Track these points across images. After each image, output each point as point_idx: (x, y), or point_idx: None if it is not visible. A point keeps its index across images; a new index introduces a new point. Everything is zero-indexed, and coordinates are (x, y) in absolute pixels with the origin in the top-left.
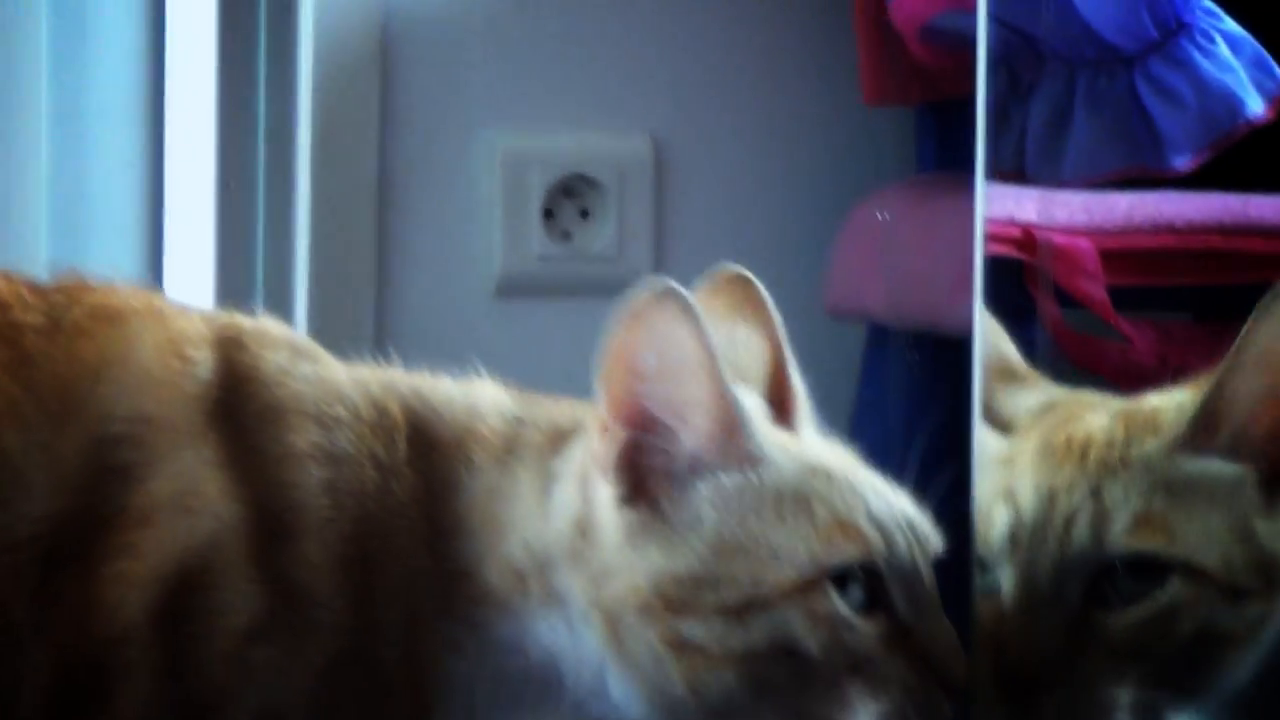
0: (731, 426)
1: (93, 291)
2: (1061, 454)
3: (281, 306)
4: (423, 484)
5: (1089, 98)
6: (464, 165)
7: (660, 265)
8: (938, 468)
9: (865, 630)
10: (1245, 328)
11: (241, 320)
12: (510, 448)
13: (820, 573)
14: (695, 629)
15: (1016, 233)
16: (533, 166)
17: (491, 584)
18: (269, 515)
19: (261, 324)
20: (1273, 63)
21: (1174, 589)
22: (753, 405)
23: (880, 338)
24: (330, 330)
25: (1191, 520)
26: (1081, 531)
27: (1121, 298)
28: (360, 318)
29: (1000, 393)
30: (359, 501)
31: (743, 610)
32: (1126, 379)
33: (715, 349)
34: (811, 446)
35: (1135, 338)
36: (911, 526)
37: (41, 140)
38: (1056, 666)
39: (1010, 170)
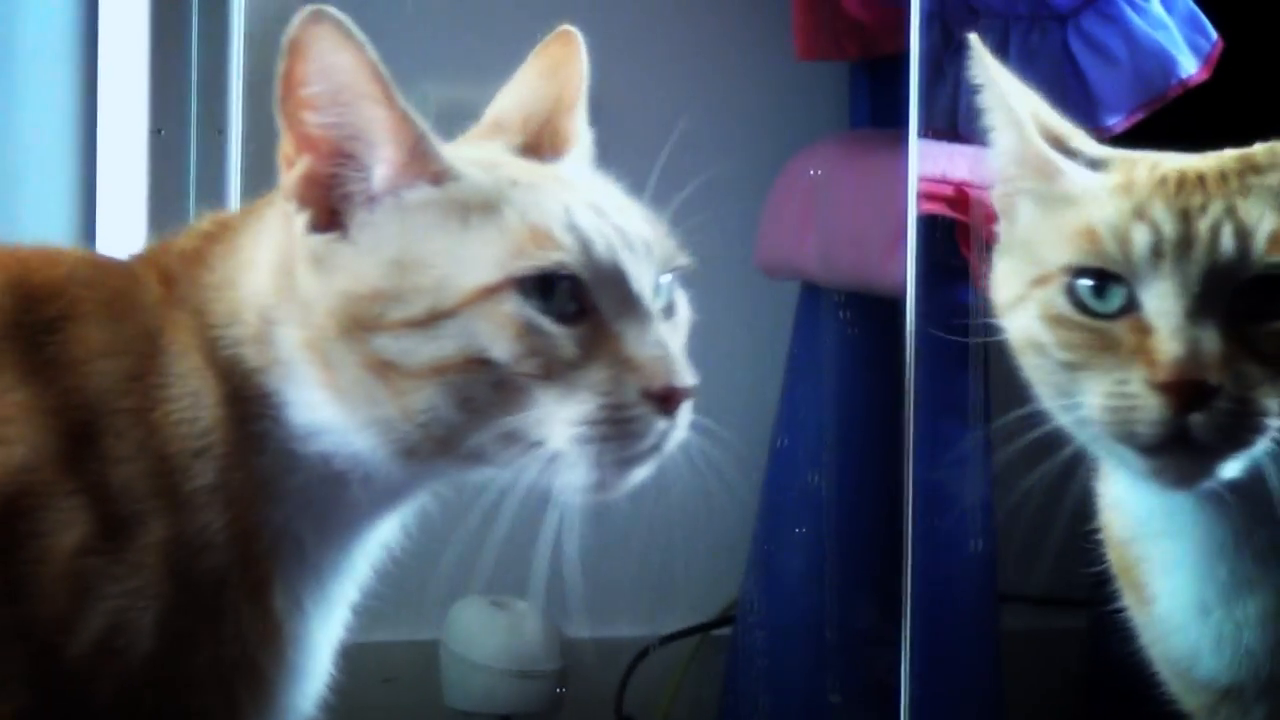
0: (412, 144)
1: None
2: (1177, 185)
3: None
4: (187, 318)
5: (1022, 54)
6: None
7: None
8: (872, 430)
9: (560, 336)
10: None
11: (21, 246)
12: (232, 227)
13: (506, 278)
14: (389, 345)
15: (949, 191)
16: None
17: (253, 367)
18: (72, 421)
19: (43, 246)
20: (1206, 21)
21: None
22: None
23: (813, 296)
24: None
25: None
26: (1228, 243)
27: None
28: None
29: (1076, 139)
30: (143, 381)
31: (429, 320)
32: None
33: (380, 71)
34: (535, 168)
35: None
36: (628, 238)
37: None
38: (1218, 371)
39: (943, 127)
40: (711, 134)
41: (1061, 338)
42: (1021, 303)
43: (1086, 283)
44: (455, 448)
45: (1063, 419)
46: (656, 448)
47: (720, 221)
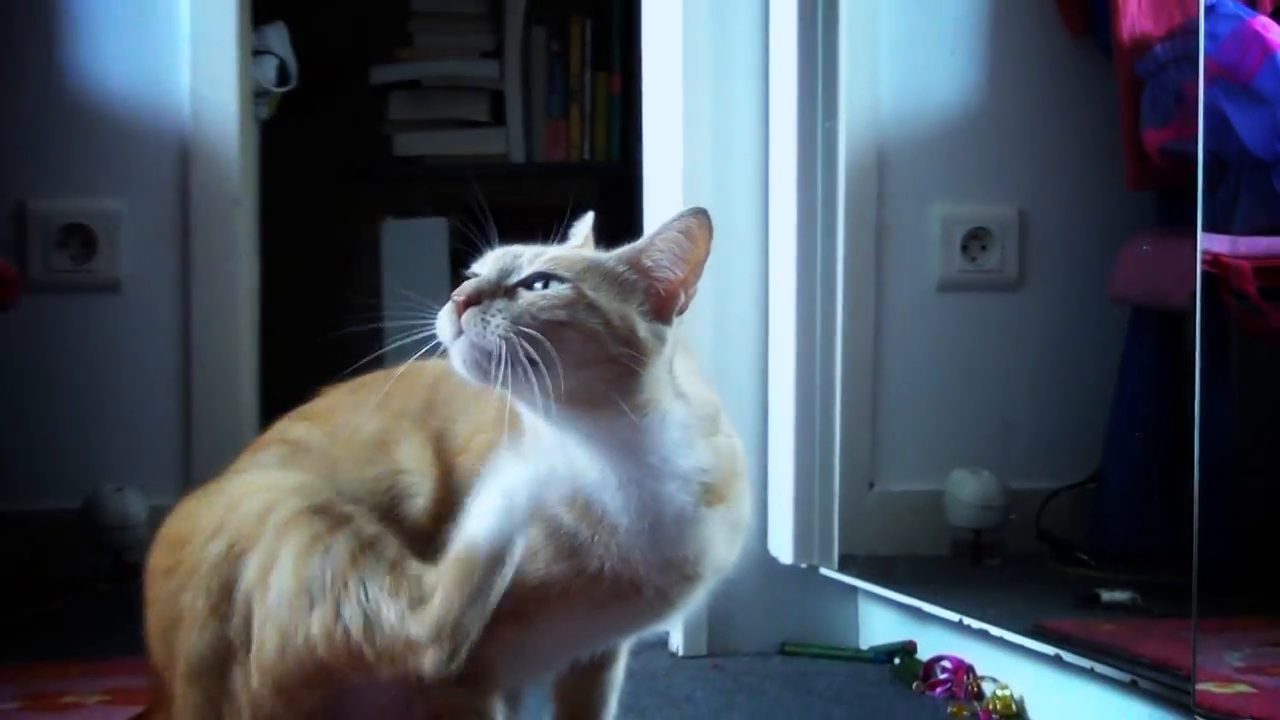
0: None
1: None
2: None
3: (825, 300)
4: None
5: (1250, 187)
6: (922, 224)
7: (1020, 275)
8: (1174, 383)
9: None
10: None
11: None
12: None
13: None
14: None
15: (1211, 258)
16: (953, 224)
17: None
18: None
19: None
20: None
21: None
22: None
23: (1140, 312)
24: (849, 310)
25: None
26: None
27: (1273, 294)
28: (865, 306)
29: None
30: None
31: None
32: (1272, 338)
33: None
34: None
35: (1274, 315)
36: (487, 261)
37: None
38: None
39: (1209, 225)
40: (1083, 229)
41: None
42: None
43: None
44: None
45: None
46: (458, 337)
47: (1085, 277)
